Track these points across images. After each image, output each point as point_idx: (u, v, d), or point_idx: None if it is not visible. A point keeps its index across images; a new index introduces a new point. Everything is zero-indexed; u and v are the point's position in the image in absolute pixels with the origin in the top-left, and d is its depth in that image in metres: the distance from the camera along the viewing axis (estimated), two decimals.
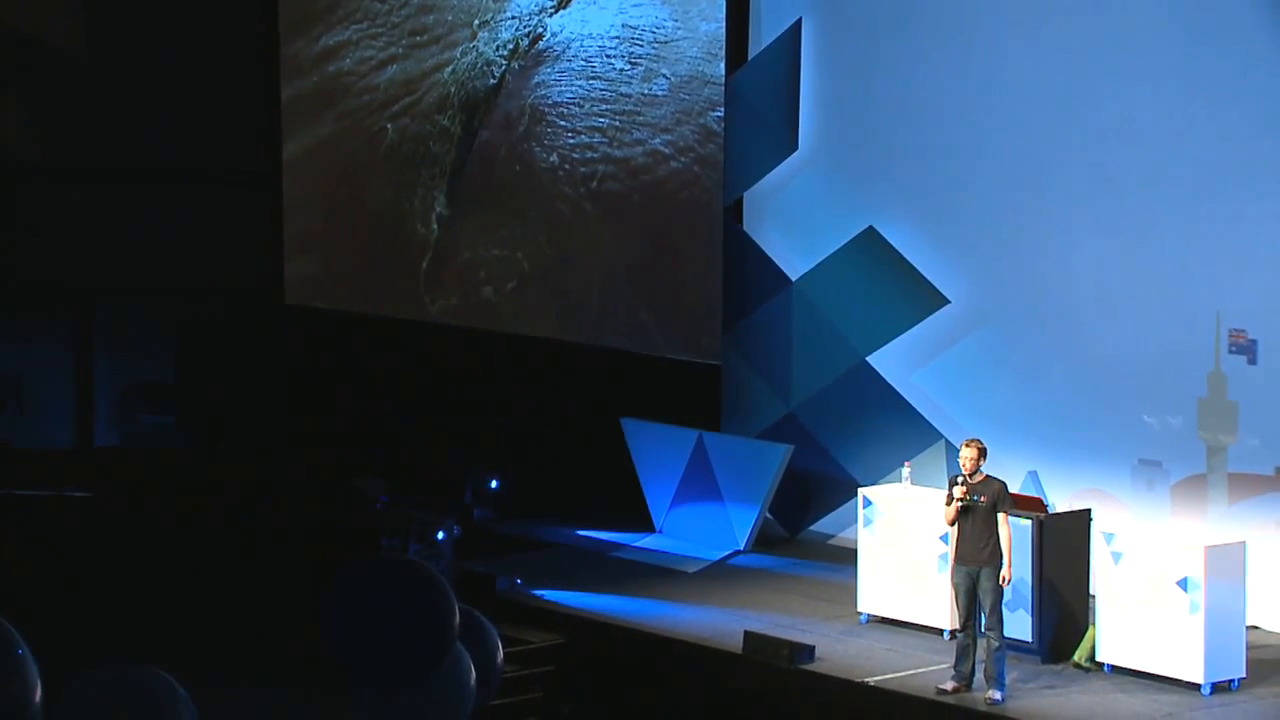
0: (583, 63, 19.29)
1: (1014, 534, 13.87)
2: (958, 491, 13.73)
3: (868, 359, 17.79)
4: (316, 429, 21.96)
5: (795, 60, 18.23)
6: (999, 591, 13.69)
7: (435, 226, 20.67)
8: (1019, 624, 14.54)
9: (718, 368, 18.65)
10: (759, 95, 18.38)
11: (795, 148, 18.27)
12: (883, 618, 15.59)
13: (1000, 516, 13.70)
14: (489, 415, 20.97)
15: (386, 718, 7.79)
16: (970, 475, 13.78)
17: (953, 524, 13.84)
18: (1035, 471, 16.19)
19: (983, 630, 13.74)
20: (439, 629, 7.48)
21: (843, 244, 17.85)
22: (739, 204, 18.78)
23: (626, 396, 19.45)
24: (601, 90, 19.15)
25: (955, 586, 13.88)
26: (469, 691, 7.74)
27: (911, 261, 17.40)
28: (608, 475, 19.24)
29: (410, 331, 21.25)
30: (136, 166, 22.01)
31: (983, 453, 13.82)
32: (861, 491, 15.96)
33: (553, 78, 19.53)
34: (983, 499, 13.71)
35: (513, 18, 19.87)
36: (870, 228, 17.66)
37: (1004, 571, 13.65)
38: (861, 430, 17.79)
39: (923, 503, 15.35)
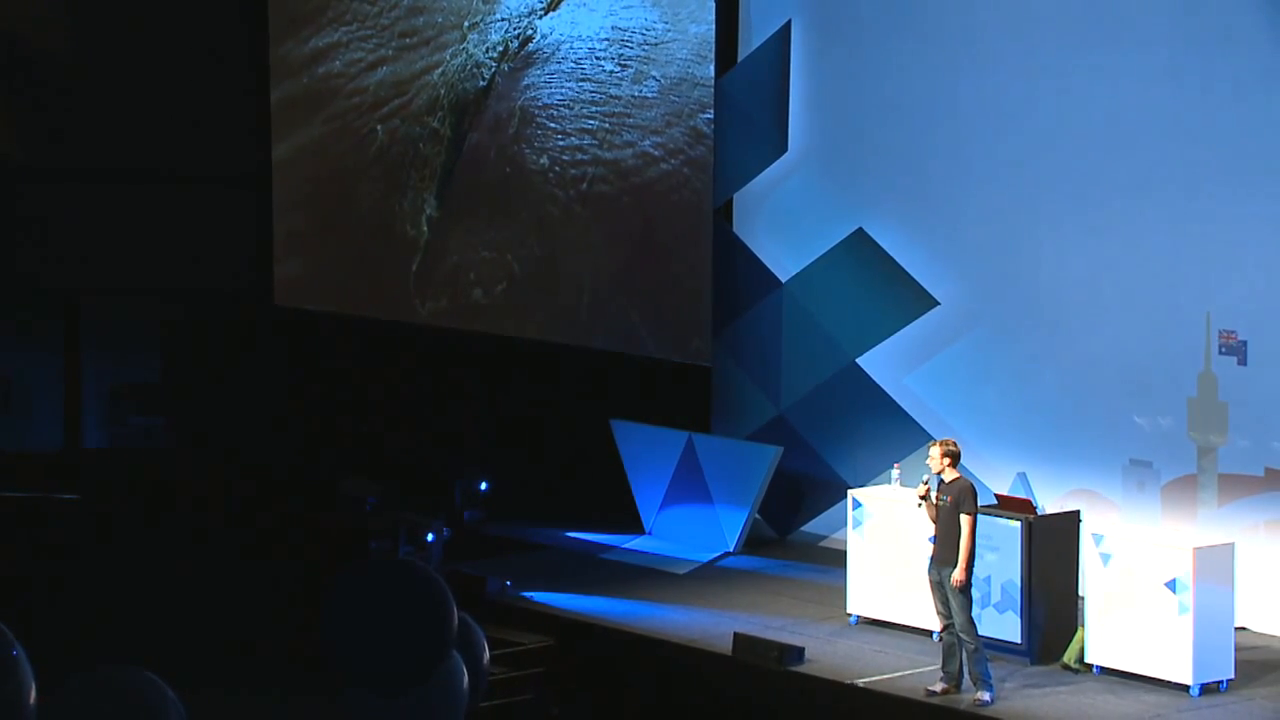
0: (572, 65, 19.28)
1: (1003, 535, 13.82)
2: (920, 488, 13.79)
3: (857, 361, 17.79)
4: (305, 431, 21.95)
5: (785, 62, 18.23)
6: (959, 593, 13.65)
7: (425, 228, 20.65)
8: (1008, 625, 14.55)
9: (708, 369, 18.65)
10: (749, 97, 18.37)
11: (785, 150, 18.27)
12: (872, 619, 15.59)
13: (962, 518, 13.69)
14: (478, 417, 20.96)
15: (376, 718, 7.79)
16: (940, 474, 13.79)
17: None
18: (1024, 473, 16.19)
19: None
20: (438, 630, 7.49)
21: (832, 246, 17.86)
22: (729, 206, 18.77)
23: (616, 398, 19.44)
24: (591, 92, 19.14)
25: (931, 585, 13.91)
26: (461, 694, 7.75)
27: (901, 263, 17.40)
28: (597, 477, 19.23)
29: (400, 333, 21.23)
30: (125, 167, 21.97)
31: (950, 454, 13.79)
32: (851, 493, 15.96)
33: (542, 80, 19.52)
34: (949, 499, 13.71)
35: (502, 20, 19.86)
36: (860, 229, 17.67)
37: (955, 573, 13.64)
38: (851, 432, 17.79)
39: (912, 504, 15.33)
